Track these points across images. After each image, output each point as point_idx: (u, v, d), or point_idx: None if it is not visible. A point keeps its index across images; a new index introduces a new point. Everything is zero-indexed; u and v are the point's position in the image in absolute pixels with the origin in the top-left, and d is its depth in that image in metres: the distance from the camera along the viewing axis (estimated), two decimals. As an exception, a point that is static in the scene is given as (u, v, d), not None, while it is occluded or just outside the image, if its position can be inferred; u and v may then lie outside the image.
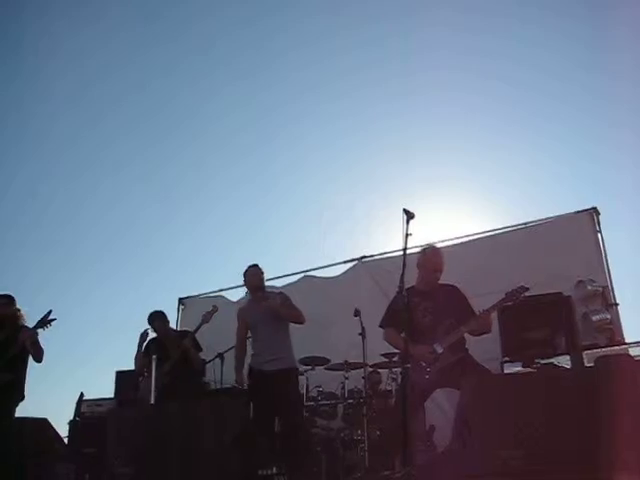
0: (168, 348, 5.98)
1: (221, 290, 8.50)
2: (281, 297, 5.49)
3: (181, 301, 8.82)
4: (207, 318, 5.92)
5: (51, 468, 4.25)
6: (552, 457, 2.67)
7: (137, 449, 3.45)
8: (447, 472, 2.87)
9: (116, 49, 10.96)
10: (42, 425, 4.61)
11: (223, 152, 12.24)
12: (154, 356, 5.27)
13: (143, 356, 6.02)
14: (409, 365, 3.88)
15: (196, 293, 8.88)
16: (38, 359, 5.55)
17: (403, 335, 4.28)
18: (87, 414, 6.86)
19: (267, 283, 7.78)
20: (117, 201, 12.05)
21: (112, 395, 7.15)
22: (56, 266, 11.87)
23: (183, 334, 6.13)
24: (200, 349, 6.11)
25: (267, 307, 5.34)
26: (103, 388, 8.01)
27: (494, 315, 4.66)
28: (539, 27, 9.09)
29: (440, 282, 4.75)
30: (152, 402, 4.70)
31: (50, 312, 5.43)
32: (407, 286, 4.38)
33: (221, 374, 6.31)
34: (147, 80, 11.54)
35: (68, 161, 11.76)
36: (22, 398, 5.54)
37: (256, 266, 5.70)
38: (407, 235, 3.79)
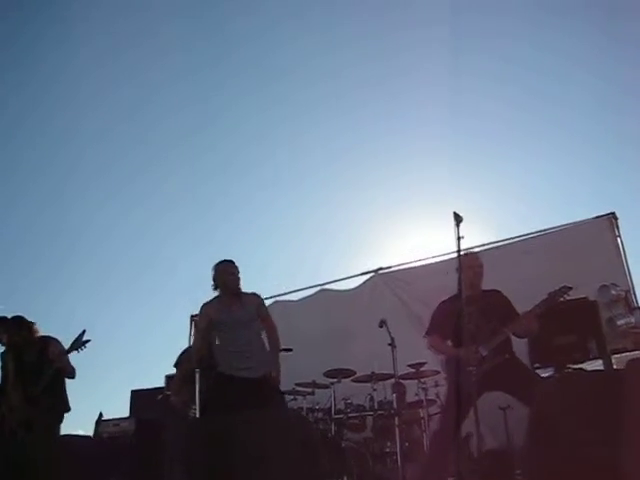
0: None
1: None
2: (258, 301, 5.17)
3: (193, 318, 8.69)
4: None
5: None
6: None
7: (198, 462, 3.36)
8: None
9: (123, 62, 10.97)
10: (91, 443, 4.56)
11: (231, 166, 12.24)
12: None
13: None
14: (461, 364, 3.88)
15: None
16: (71, 375, 5.45)
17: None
18: (104, 434, 6.75)
19: (282, 298, 7.86)
20: (123, 217, 11.98)
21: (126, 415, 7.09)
22: (68, 282, 11.75)
23: None
24: None
25: (246, 314, 4.94)
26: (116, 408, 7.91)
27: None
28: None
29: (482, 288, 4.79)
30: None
31: (84, 332, 5.14)
32: (451, 294, 4.43)
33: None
34: (150, 94, 11.53)
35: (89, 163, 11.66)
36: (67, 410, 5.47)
37: (232, 262, 5.08)
38: (459, 238, 3.81)
